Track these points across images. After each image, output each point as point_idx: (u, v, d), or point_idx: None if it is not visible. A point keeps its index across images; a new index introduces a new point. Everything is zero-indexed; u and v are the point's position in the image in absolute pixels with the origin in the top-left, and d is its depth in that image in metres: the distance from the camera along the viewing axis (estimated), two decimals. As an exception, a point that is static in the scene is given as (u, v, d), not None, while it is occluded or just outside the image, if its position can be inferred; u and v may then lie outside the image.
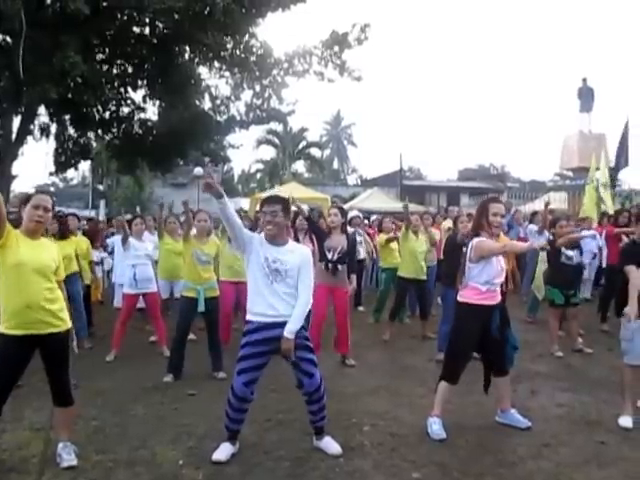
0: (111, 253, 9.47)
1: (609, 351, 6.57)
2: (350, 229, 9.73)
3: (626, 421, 4.49)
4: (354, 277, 6.66)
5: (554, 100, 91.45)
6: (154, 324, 6.95)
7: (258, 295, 3.77)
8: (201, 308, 5.72)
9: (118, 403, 4.94)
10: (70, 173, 40.97)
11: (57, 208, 8.13)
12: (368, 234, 10.69)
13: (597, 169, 12.40)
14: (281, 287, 3.76)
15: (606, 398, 5.10)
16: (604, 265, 8.72)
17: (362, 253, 10.03)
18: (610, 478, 3.65)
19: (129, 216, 8.20)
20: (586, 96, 19.78)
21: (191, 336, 6.40)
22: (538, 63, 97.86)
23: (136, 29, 12.19)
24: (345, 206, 12.12)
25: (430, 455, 3.93)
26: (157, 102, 13.41)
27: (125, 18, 11.60)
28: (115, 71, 13.00)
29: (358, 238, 9.96)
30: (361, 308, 9.66)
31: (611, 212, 11.15)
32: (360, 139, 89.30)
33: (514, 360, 4.79)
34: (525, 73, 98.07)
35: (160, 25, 11.71)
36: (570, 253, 6.86)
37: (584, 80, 19.85)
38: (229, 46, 12.49)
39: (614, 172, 12.80)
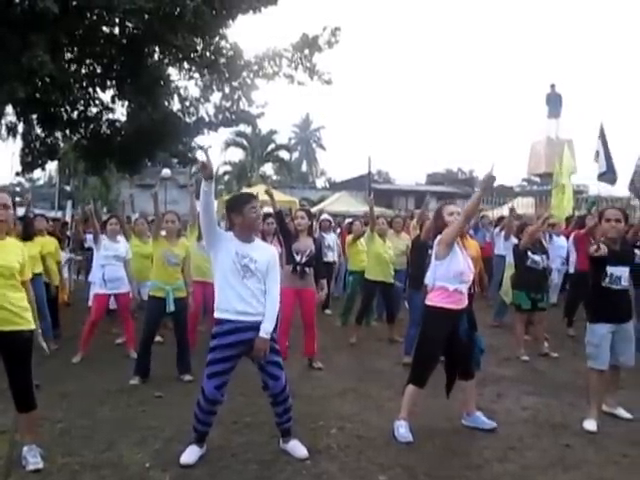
0: (88, 250, 9.48)
1: (574, 355, 6.67)
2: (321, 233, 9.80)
3: (591, 424, 4.54)
4: (324, 282, 6.65)
5: (522, 106, 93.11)
6: (124, 326, 6.86)
7: (229, 291, 3.75)
8: (170, 308, 5.67)
9: (84, 405, 4.87)
10: (37, 173, 40.09)
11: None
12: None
13: (571, 173, 12.55)
14: (252, 283, 3.77)
15: (571, 401, 5.17)
16: (571, 270, 8.84)
17: (331, 256, 10.04)
18: (574, 481, 3.69)
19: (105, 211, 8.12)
20: (554, 102, 20.13)
21: (158, 338, 6.33)
22: (507, 69, 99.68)
23: (105, 29, 12.00)
24: (313, 209, 12.11)
25: (397, 458, 3.93)
26: (126, 103, 13.21)
27: (94, 18, 11.41)
28: (84, 71, 12.77)
29: (329, 241, 10.01)
30: (328, 311, 9.66)
31: (567, 214, 11.35)
32: (329, 142, 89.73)
33: (480, 363, 4.84)
34: (494, 78, 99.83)
35: (130, 25, 11.56)
36: (537, 257, 6.96)
37: (552, 86, 20.19)
38: (199, 47, 12.39)
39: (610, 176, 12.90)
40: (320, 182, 53.21)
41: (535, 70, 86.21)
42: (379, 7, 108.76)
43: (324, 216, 10.75)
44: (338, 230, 11.67)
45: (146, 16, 10.53)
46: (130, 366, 5.72)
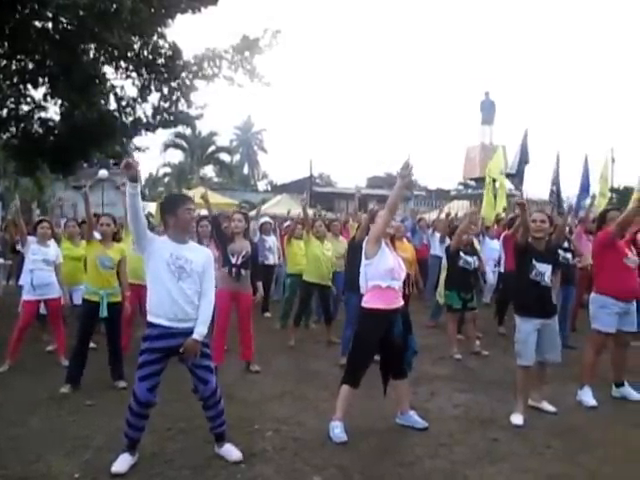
0: (19, 253, 9.02)
1: (504, 353, 6.88)
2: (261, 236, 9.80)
3: (517, 418, 4.74)
4: (260, 284, 6.65)
5: (458, 112, 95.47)
6: (54, 332, 6.64)
7: (163, 295, 3.69)
8: (103, 313, 5.53)
9: (13, 416, 4.70)
10: (-36, 174, 38.37)
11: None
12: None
13: (499, 176, 12.97)
14: (187, 285, 3.72)
15: (500, 397, 5.35)
16: (502, 270, 9.14)
17: (271, 259, 10.04)
18: (501, 473, 3.83)
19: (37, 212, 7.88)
20: (488, 109, 20.84)
21: (92, 344, 6.17)
22: (444, 76, 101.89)
23: (38, 24, 11.61)
24: (251, 213, 12.05)
25: (331, 458, 3.98)
26: (59, 101, 12.83)
27: (26, 12, 11.04)
28: (14, 67, 12.34)
29: (269, 244, 10.01)
30: (268, 314, 9.64)
31: (498, 212, 11.73)
32: (271, 145, 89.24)
33: (413, 364, 4.97)
34: (430, 85, 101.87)
35: (63, 21, 11.23)
36: (469, 258, 7.19)
37: (486, 93, 20.88)
38: (136, 46, 12.14)
39: (517, 180, 13.39)
40: (262, 185, 52.97)
41: (470, 78, 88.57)
42: (321, 10, 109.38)
43: (265, 219, 10.73)
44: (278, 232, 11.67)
45: (80, 12, 10.26)
46: (61, 374, 5.56)
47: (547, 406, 5.05)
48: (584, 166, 12.02)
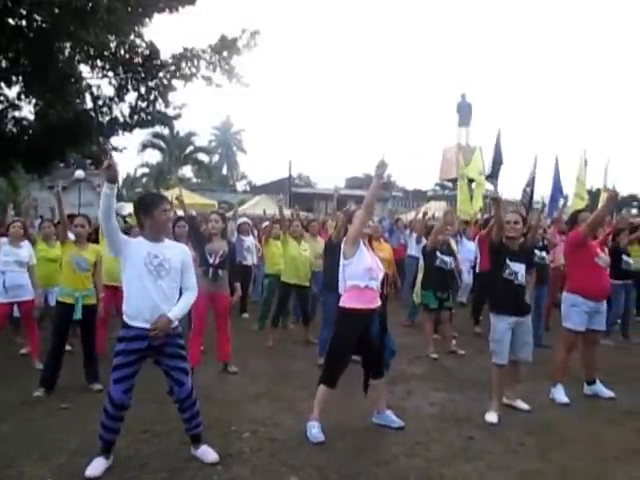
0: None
1: (480, 352, 6.95)
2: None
3: (492, 417, 4.81)
4: (238, 285, 6.64)
5: (435, 114, 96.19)
6: (27, 335, 6.55)
7: (140, 295, 3.66)
8: (77, 316, 5.47)
9: (-17, 421, 4.61)
10: None
11: None
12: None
13: (478, 176, 13.11)
14: (166, 283, 3.71)
15: (475, 396, 5.41)
16: (477, 270, 9.24)
17: (250, 259, 10.03)
18: (475, 471, 3.88)
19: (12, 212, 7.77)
20: (464, 111, 21.08)
21: (67, 347, 6.10)
22: (421, 77, 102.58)
23: (11, 21, 11.46)
24: (229, 213, 12.00)
25: (309, 458, 3.99)
26: (33, 100, 12.67)
27: (-1, 8, 10.90)
28: (-14, 65, 12.18)
29: (248, 244, 9.99)
30: (246, 315, 9.62)
31: (475, 210, 11.88)
32: (250, 145, 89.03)
33: (390, 363, 5.01)
34: (408, 87, 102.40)
35: (38, 18, 11.10)
36: (446, 258, 7.26)
37: (463, 95, 21.11)
38: (113, 45, 12.07)
39: (493, 180, 13.55)
40: (241, 185, 52.67)
41: (447, 79, 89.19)
42: (300, 11, 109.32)
43: (243, 219, 10.71)
44: (256, 233, 11.65)
45: (56, 9, 10.15)
46: (34, 377, 5.47)
47: (521, 404, 5.13)
48: (555, 167, 12.21)
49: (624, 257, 8.00)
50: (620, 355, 7.29)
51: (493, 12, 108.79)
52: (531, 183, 11.35)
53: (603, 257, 5.56)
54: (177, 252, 3.85)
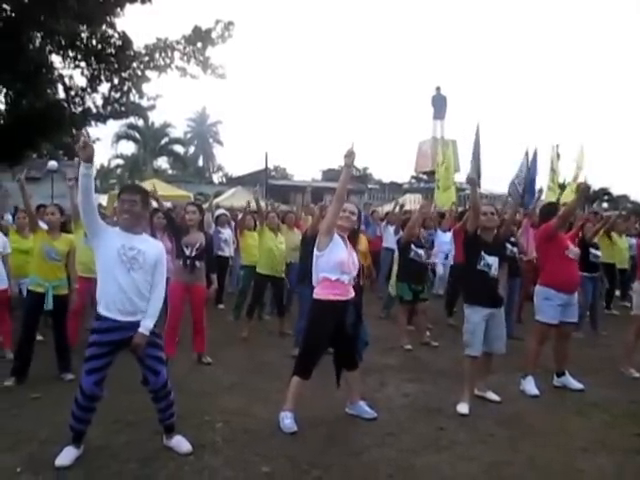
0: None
1: (454, 344, 6.98)
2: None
3: (463, 408, 4.88)
4: (215, 277, 6.62)
5: (411, 106, 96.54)
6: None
7: (113, 286, 3.62)
8: (48, 306, 5.40)
9: (-50, 411, 4.54)
10: None
11: None
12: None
13: (455, 171, 13.22)
14: (138, 276, 3.67)
15: (448, 387, 5.48)
16: (452, 263, 9.33)
17: (227, 251, 10.01)
18: (445, 461, 3.93)
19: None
20: (439, 104, 21.14)
21: (39, 337, 6.03)
22: (396, 70, 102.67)
23: (-22, 12, 11.25)
24: (205, 205, 11.94)
25: (281, 448, 4.01)
26: (4, 90, 12.44)
27: (-33, -1, 10.66)
28: (-46, 55, 11.90)
29: (225, 236, 9.96)
30: (221, 306, 9.61)
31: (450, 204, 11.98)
32: (226, 137, 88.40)
33: (363, 354, 5.04)
34: (384, 79, 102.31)
35: (7, 8, 10.89)
36: (420, 251, 7.31)
37: (438, 88, 21.16)
38: (84, 35, 11.91)
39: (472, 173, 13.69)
40: (217, 177, 52.27)
41: (422, 72, 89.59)
42: (276, 3, 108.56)
43: (220, 211, 10.67)
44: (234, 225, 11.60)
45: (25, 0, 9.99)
46: (6, 367, 5.42)
47: (492, 395, 5.21)
48: (532, 160, 12.33)
49: (592, 250, 8.15)
50: (589, 347, 7.43)
51: (469, 4, 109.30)
52: (522, 178, 11.48)
53: (573, 250, 5.65)
54: (152, 248, 3.81)
